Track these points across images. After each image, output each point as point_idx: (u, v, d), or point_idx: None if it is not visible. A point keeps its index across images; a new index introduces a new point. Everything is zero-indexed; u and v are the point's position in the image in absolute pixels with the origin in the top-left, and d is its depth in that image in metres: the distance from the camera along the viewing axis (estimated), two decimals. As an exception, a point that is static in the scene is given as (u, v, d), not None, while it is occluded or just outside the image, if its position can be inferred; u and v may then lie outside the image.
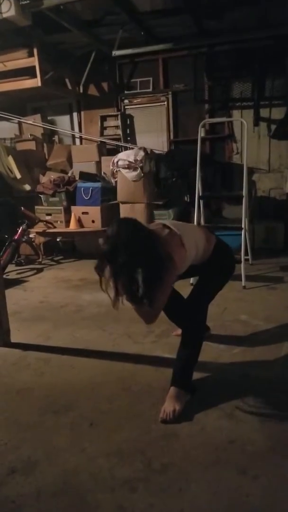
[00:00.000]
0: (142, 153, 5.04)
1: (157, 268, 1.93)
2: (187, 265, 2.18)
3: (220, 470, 1.63)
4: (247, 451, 1.73)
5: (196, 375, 2.20)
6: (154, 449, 1.77)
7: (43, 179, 5.81)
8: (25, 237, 5.37)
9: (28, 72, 5.54)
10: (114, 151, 6.08)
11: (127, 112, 6.44)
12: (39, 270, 5.11)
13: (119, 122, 6.27)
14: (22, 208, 5.44)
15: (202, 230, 2.44)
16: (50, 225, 5.51)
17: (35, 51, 5.39)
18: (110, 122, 6.43)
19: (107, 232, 1.97)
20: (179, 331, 2.69)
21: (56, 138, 6.76)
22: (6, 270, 4.97)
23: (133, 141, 6.39)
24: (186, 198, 5.37)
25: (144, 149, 5.14)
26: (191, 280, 3.39)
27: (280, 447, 1.75)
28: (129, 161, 5.03)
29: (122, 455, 1.74)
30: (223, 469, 1.64)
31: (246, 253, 4.24)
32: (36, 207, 5.61)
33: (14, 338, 3.00)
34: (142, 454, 1.74)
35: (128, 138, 6.39)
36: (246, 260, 4.31)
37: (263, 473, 1.61)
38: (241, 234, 4.12)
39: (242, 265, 3.98)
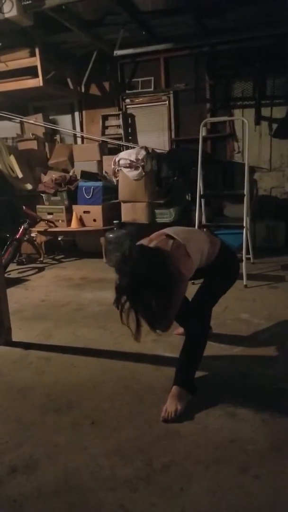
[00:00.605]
0: (143, 152, 5.03)
1: (170, 289, 1.98)
2: (193, 272, 2.20)
3: (221, 469, 1.63)
4: (248, 451, 1.73)
5: (198, 374, 2.19)
6: (155, 448, 1.77)
7: (45, 178, 5.81)
8: (26, 236, 5.39)
9: (30, 72, 5.55)
10: (116, 150, 6.08)
11: (129, 111, 6.44)
12: (41, 269, 5.12)
13: (120, 122, 6.28)
14: (24, 207, 5.44)
15: (205, 234, 2.46)
16: (51, 224, 5.51)
17: (37, 51, 5.40)
18: (112, 122, 6.43)
19: (120, 265, 1.98)
20: (181, 330, 2.69)
21: (57, 137, 6.76)
22: (8, 269, 4.97)
23: (135, 140, 6.39)
24: (187, 197, 5.36)
25: (146, 148, 5.14)
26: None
27: (281, 446, 1.74)
28: (130, 160, 5.03)
29: (123, 454, 1.74)
30: (224, 468, 1.64)
31: (247, 252, 4.24)
32: (37, 206, 5.62)
33: (15, 337, 3.00)
34: (143, 453, 1.74)
35: (130, 137, 6.39)
36: (248, 259, 4.31)
37: (264, 472, 1.60)
38: (242, 233, 4.11)
39: (243, 264, 3.97)
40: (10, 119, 6.61)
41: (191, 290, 2.35)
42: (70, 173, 5.89)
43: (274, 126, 5.66)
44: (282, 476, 1.58)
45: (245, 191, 4.16)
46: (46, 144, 6.37)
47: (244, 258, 4.01)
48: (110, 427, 1.93)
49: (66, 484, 1.60)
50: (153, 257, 1.97)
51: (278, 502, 1.47)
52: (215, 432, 1.86)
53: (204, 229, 4.41)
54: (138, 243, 2.25)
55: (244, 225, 4.10)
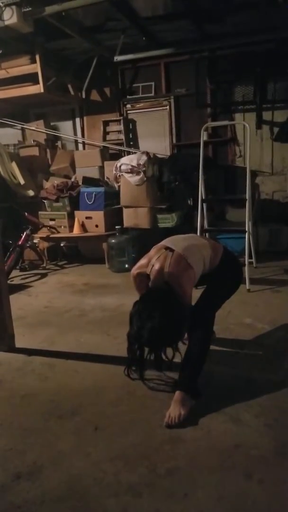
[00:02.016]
0: (145, 158, 5.05)
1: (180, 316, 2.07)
2: (196, 281, 2.23)
3: (225, 475, 1.62)
4: (252, 455, 1.72)
5: (201, 379, 2.18)
6: (159, 453, 1.77)
7: (47, 184, 5.83)
8: (29, 242, 5.40)
9: (31, 78, 5.59)
10: (117, 156, 6.11)
11: (130, 116, 6.47)
12: (43, 275, 5.12)
13: (121, 127, 6.30)
14: (26, 213, 5.47)
15: (207, 241, 2.46)
16: (53, 230, 5.52)
17: (37, 57, 5.44)
18: (113, 127, 6.46)
19: (137, 325, 2.05)
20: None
21: (59, 143, 6.80)
22: (11, 276, 4.98)
23: (136, 146, 6.42)
24: (189, 201, 5.37)
25: (147, 154, 5.16)
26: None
27: (285, 451, 1.74)
28: (132, 166, 5.05)
29: (127, 459, 1.74)
30: (229, 473, 1.63)
31: (250, 256, 4.24)
32: (39, 212, 5.64)
33: (18, 343, 3.00)
34: (147, 459, 1.73)
35: (131, 143, 6.41)
36: (250, 263, 4.30)
37: (268, 477, 1.60)
38: (244, 237, 4.12)
39: (246, 268, 3.96)
40: (11, 126, 6.65)
41: (194, 295, 2.35)
42: (72, 179, 5.90)
43: (276, 130, 5.67)
44: (285, 480, 1.58)
45: (247, 195, 4.17)
46: (48, 150, 6.41)
47: (246, 263, 4.01)
48: (113, 432, 1.93)
49: (70, 490, 1.60)
50: (166, 305, 2.02)
51: (282, 507, 1.46)
52: (219, 437, 1.85)
53: (206, 234, 4.42)
54: (138, 265, 2.33)
55: (247, 229, 4.11)
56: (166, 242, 2.32)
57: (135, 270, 2.37)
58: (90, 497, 1.55)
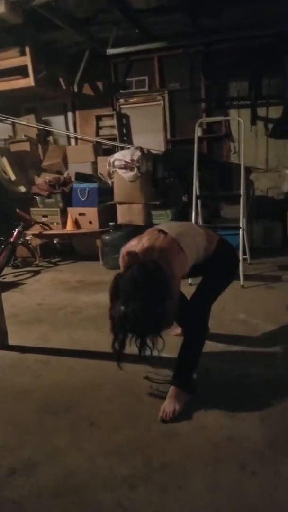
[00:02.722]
0: (138, 153, 5.03)
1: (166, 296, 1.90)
2: (188, 268, 2.16)
3: (219, 468, 1.63)
4: (246, 449, 1.73)
5: (196, 374, 2.19)
6: (154, 448, 1.77)
7: (38, 180, 5.78)
8: (21, 239, 5.35)
9: (21, 71, 5.48)
10: (110, 151, 6.08)
11: (123, 111, 6.44)
12: (37, 273, 5.10)
13: (114, 122, 6.27)
14: (18, 210, 5.41)
15: (203, 230, 2.40)
16: (46, 227, 5.49)
17: (27, 49, 5.32)
18: (106, 122, 6.42)
19: (119, 306, 1.87)
20: (178, 330, 2.68)
21: (51, 138, 6.74)
22: (3, 273, 4.94)
23: (130, 141, 6.39)
24: (184, 198, 5.36)
25: (141, 149, 5.14)
26: (190, 280, 3.39)
27: (278, 444, 1.75)
28: (125, 161, 5.03)
29: (122, 454, 1.74)
30: (222, 466, 1.64)
31: (244, 253, 4.25)
32: (31, 208, 5.58)
33: (12, 341, 2.99)
34: (142, 453, 1.74)
35: (124, 138, 6.38)
36: (245, 259, 4.32)
37: (262, 469, 1.61)
38: (239, 234, 4.12)
39: (240, 264, 3.97)
40: (2, 121, 6.59)
41: (184, 290, 2.35)
42: (64, 175, 5.86)
43: (270, 126, 5.68)
44: (280, 473, 1.59)
45: (242, 192, 4.17)
46: (39, 145, 6.34)
47: (241, 259, 4.02)
48: (108, 428, 1.93)
49: (65, 485, 1.60)
50: (150, 286, 1.85)
51: (274, 498, 1.47)
52: (213, 431, 1.86)
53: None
54: (128, 244, 2.23)
55: (241, 225, 4.11)
56: (160, 226, 2.27)
57: (124, 249, 2.26)
58: (86, 492, 1.55)
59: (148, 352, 1.93)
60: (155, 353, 1.95)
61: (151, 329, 1.87)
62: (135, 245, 2.17)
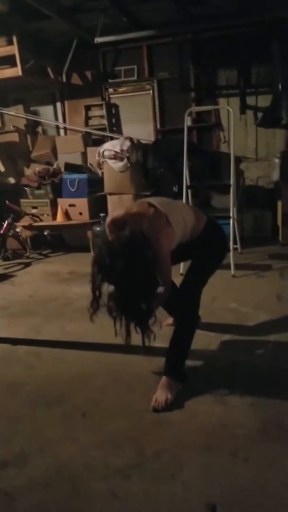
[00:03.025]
0: (128, 143, 5.00)
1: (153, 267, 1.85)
2: (175, 244, 2.10)
3: (211, 455, 1.65)
4: (238, 435, 1.75)
5: (187, 363, 2.20)
6: (146, 437, 1.78)
7: (28, 171, 5.74)
8: (11, 231, 5.31)
9: (8, 61, 5.42)
10: (100, 142, 6.03)
11: (112, 101, 6.38)
12: (27, 265, 5.07)
13: (104, 112, 6.21)
14: (7, 201, 5.36)
15: (191, 208, 2.36)
16: (36, 219, 5.45)
17: (14, 39, 5.26)
18: (95, 112, 6.36)
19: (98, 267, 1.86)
20: (170, 320, 2.69)
21: (39, 129, 6.67)
22: (-6, 265, 4.92)
23: (119, 131, 6.35)
24: (174, 188, 5.34)
25: (130, 139, 5.10)
26: (181, 270, 3.39)
27: (270, 430, 1.77)
28: (115, 152, 4.99)
29: (115, 444, 1.75)
30: (215, 453, 1.65)
31: (235, 242, 4.26)
32: (21, 200, 5.54)
33: (3, 333, 2.98)
34: (135, 442, 1.75)
35: (114, 128, 6.33)
36: (235, 249, 4.33)
37: (253, 456, 1.63)
38: (229, 223, 4.12)
39: (231, 254, 4.00)
40: (-10, 111, 6.50)
41: (177, 280, 2.35)
42: (54, 166, 5.82)
43: (260, 115, 5.66)
44: (271, 459, 1.61)
45: (232, 181, 4.17)
46: (28, 136, 6.29)
47: (231, 248, 4.03)
48: (101, 418, 1.94)
49: (58, 476, 1.60)
50: (129, 246, 1.80)
51: (267, 484, 1.49)
52: (205, 418, 1.88)
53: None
54: (115, 213, 2.16)
55: (231, 215, 4.12)
56: (150, 199, 2.22)
57: (110, 217, 2.18)
58: (79, 482, 1.56)
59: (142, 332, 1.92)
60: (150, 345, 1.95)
61: (133, 302, 1.84)
62: (122, 215, 2.10)
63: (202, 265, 2.32)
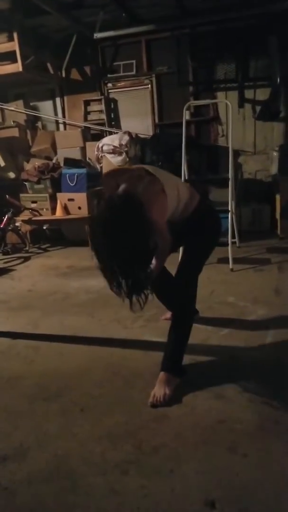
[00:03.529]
0: (127, 138, 4.99)
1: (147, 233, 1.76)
2: (167, 214, 2.01)
3: (210, 450, 1.65)
4: (236, 430, 1.75)
5: (185, 357, 2.20)
6: (144, 432, 1.79)
7: (28, 166, 5.73)
8: (11, 225, 5.33)
9: (9, 57, 5.43)
10: (99, 136, 6.03)
11: (111, 96, 6.36)
12: (27, 259, 5.08)
13: (103, 107, 6.20)
14: (7, 196, 5.37)
15: (186, 185, 2.27)
16: (36, 213, 5.45)
17: (15, 35, 5.28)
18: (94, 107, 6.35)
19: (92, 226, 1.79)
20: (168, 315, 2.70)
21: (39, 124, 6.67)
22: (-7, 260, 4.93)
23: (118, 126, 6.33)
24: (172, 182, 5.32)
25: (129, 133, 5.09)
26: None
27: (268, 425, 1.77)
28: (114, 146, 4.99)
29: (113, 439, 1.76)
30: (213, 448, 1.66)
31: (233, 236, 4.26)
32: (21, 195, 5.54)
33: (2, 327, 2.99)
34: (133, 437, 1.75)
35: (113, 123, 6.32)
36: (233, 243, 4.33)
37: (252, 451, 1.63)
38: (227, 217, 4.13)
39: (229, 248, 4.00)
40: (-10, 107, 6.49)
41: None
42: (53, 161, 5.82)
43: (258, 108, 5.65)
44: (270, 454, 1.61)
45: (230, 175, 4.16)
46: (28, 131, 6.29)
47: (229, 242, 4.04)
48: (99, 413, 1.94)
49: (57, 470, 1.61)
50: (124, 206, 1.72)
51: (265, 479, 1.50)
52: (203, 413, 1.88)
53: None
54: (111, 170, 2.10)
55: (230, 209, 4.12)
56: (146, 166, 2.14)
57: (106, 173, 2.12)
58: (78, 477, 1.57)
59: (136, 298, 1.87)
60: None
61: (138, 263, 1.78)
62: (119, 173, 2.05)
63: (195, 250, 2.25)
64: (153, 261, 1.93)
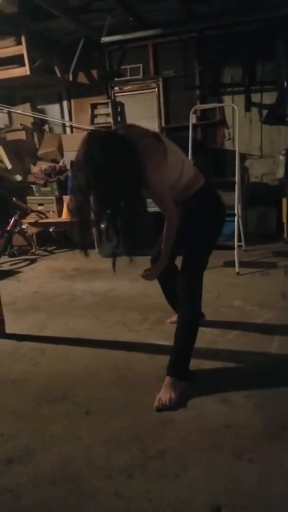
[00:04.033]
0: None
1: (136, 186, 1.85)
2: (165, 181, 1.95)
3: (216, 455, 1.65)
4: (242, 436, 1.74)
5: (191, 361, 2.20)
6: (150, 435, 1.78)
7: (34, 169, 5.76)
8: (17, 228, 5.36)
9: (16, 60, 5.45)
10: (106, 139, 6.01)
11: (118, 99, 6.37)
12: (33, 261, 5.09)
13: (109, 110, 6.20)
14: (14, 198, 5.40)
15: (193, 166, 2.19)
16: (42, 216, 5.47)
17: (23, 39, 5.30)
18: (101, 110, 6.34)
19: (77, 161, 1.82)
20: (174, 318, 2.69)
21: (46, 127, 6.69)
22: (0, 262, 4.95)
23: (124, 129, 6.32)
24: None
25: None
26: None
27: (274, 430, 1.76)
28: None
29: (119, 442, 1.75)
30: (219, 453, 1.65)
31: (239, 239, 4.25)
32: (28, 197, 5.58)
33: (8, 329, 2.99)
34: (139, 441, 1.75)
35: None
36: (239, 246, 4.32)
37: (258, 457, 1.62)
38: (234, 221, 4.12)
39: (235, 251, 4.00)
40: (-3, 110, 6.52)
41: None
42: (60, 163, 5.84)
43: (264, 112, 5.64)
44: (276, 460, 1.60)
45: (236, 178, 4.16)
46: (35, 134, 6.32)
47: (236, 246, 4.03)
48: (105, 416, 1.94)
49: (62, 473, 1.61)
50: (113, 144, 1.78)
51: (271, 485, 1.49)
52: (209, 418, 1.87)
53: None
54: (128, 125, 2.13)
55: (236, 212, 4.11)
56: (157, 133, 2.09)
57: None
58: (83, 480, 1.56)
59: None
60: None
61: (120, 195, 1.84)
62: (131, 127, 2.09)
63: (198, 245, 2.13)
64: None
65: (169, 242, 2.04)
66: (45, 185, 5.47)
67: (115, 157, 1.75)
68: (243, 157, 5.67)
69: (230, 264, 4.06)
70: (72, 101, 6.60)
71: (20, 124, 6.20)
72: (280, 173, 5.53)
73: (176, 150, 2.03)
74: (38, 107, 6.62)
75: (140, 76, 6.16)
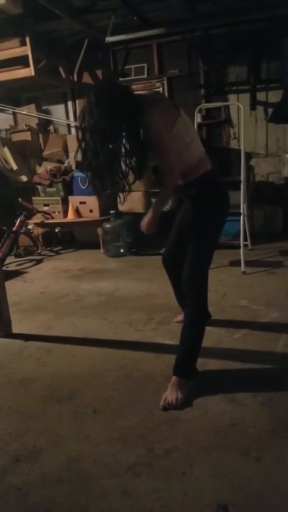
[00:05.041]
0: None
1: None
2: (170, 138, 1.94)
3: (222, 453, 1.65)
4: (249, 434, 1.74)
5: (198, 360, 2.20)
6: (156, 434, 1.79)
7: (40, 169, 5.78)
8: (23, 228, 5.38)
9: (21, 61, 5.47)
10: (110, 140, 6.02)
11: (122, 99, 6.38)
12: (39, 261, 5.11)
13: (114, 110, 6.21)
14: (20, 199, 5.43)
15: (203, 150, 2.14)
16: (48, 216, 5.50)
17: (27, 40, 5.30)
18: (105, 110, 6.37)
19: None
20: (180, 317, 2.70)
21: (51, 128, 6.71)
22: (6, 262, 4.97)
23: (129, 129, 6.33)
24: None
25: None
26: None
27: (281, 429, 1.76)
28: (125, 149, 4.99)
29: (125, 441, 1.76)
30: (226, 452, 1.65)
31: (245, 239, 4.24)
32: (33, 198, 5.61)
33: (15, 329, 3.01)
34: (145, 440, 1.75)
35: (124, 126, 6.32)
36: (245, 245, 4.31)
37: (265, 455, 1.62)
38: (239, 220, 4.11)
39: (241, 250, 3.99)
40: (2, 111, 6.53)
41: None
42: (65, 164, 5.86)
43: (270, 110, 5.61)
44: (283, 458, 1.60)
45: (242, 177, 4.15)
46: (40, 135, 6.33)
47: (241, 245, 4.02)
48: (111, 415, 1.95)
49: (69, 472, 1.62)
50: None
51: (279, 484, 1.49)
52: (215, 417, 1.87)
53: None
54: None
55: (242, 211, 4.10)
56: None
57: None
58: (90, 479, 1.57)
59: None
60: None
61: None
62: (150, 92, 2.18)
63: (201, 236, 2.09)
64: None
65: (165, 197, 2.11)
66: (50, 185, 5.49)
67: (117, 96, 1.87)
68: (249, 156, 5.66)
69: (236, 263, 4.06)
70: (77, 101, 6.61)
71: (25, 125, 6.23)
72: (286, 172, 5.51)
73: (189, 125, 2.08)
74: (43, 107, 6.64)
75: (145, 76, 6.16)
